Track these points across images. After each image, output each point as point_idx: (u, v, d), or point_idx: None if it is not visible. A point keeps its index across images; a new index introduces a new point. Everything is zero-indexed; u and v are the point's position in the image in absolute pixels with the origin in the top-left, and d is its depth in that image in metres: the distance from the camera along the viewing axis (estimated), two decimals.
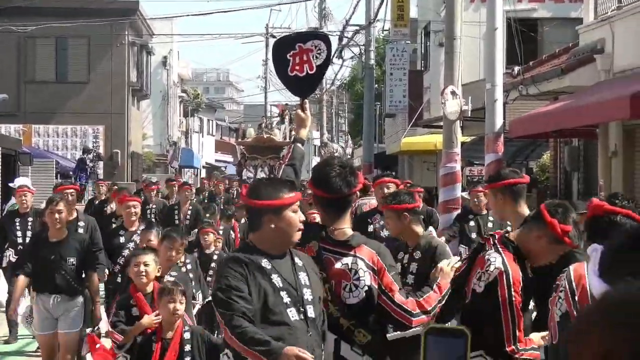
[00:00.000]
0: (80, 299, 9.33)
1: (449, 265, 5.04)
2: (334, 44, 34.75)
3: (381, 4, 29.08)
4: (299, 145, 5.36)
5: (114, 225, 11.79)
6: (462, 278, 4.99)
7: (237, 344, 4.23)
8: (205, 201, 20.85)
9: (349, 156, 45.27)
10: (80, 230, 10.54)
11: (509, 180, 6.23)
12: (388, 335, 4.89)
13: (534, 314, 5.78)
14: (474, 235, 11.64)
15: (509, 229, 6.13)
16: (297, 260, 4.56)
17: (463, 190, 14.87)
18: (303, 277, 4.50)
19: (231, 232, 13.69)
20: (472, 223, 12.09)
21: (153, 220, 14.59)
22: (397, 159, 33.58)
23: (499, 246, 4.83)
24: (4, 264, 12.21)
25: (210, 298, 7.23)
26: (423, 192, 13.93)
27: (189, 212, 15.62)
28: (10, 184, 14.11)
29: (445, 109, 14.51)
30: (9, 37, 34.91)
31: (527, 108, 19.03)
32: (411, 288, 5.72)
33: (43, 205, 10.78)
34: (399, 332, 4.92)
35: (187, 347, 6.45)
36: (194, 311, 8.29)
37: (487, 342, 4.65)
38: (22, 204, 12.33)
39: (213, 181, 31.48)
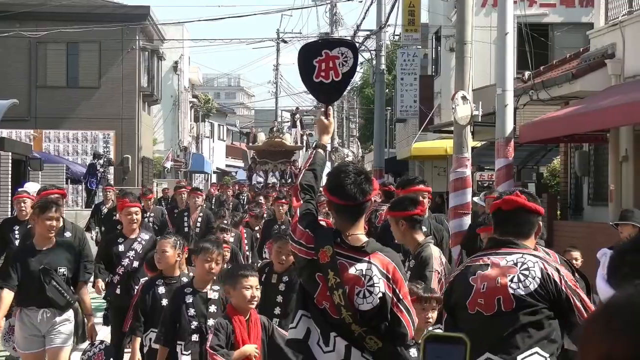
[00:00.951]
0: (71, 312, 8.48)
1: None
2: None
3: (392, 9, 29.14)
4: (321, 151, 5.30)
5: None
6: None
7: None
8: (212, 207, 20.71)
9: (358, 158, 45.23)
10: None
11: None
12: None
13: None
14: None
15: None
16: None
17: (474, 195, 14.84)
18: None
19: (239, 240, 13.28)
20: None
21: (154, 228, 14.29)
22: (407, 164, 33.55)
23: None
24: None
25: None
26: (430, 191, 13.77)
27: (199, 218, 15.34)
28: (20, 189, 13.45)
29: (456, 114, 14.48)
30: (20, 42, 35.00)
31: (538, 113, 18.98)
32: None
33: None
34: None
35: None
36: None
37: None
38: (21, 211, 11.56)
39: (216, 186, 31.36)
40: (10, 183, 19.87)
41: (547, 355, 4.50)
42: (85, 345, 8.76)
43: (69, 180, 29.17)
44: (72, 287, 8.43)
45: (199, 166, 54.97)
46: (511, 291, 4.52)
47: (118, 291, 9.68)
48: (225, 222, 13.41)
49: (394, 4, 28.74)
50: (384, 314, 4.73)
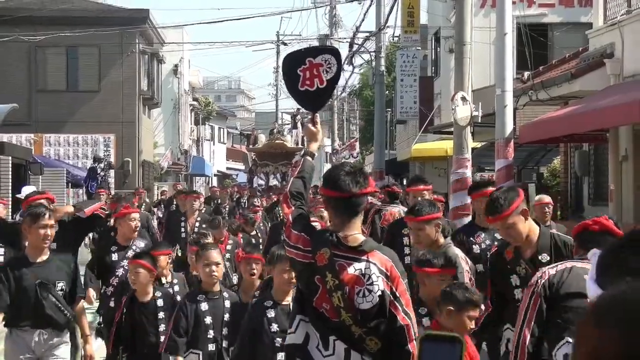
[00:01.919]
0: (67, 332, 7.69)
1: None
2: (344, 51, 34.84)
3: (391, 10, 29.09)
4: (309, 158, 5.30)
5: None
6: None
7: None
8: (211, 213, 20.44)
9: (355, 158, 45.19)
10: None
11: None
12: None
13: None
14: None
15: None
16: None
17: None
18: None
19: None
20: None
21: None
22: (408, 166, 33.56)
23: None
24: None
25: None
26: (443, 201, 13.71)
27: (197, 223, 14.67)
28: (18, 195, 12.88)
29: (456, 115, 14.49)
30: (20, 47, 35.02)
31: (537, 113, 18.99)
32: None
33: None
34: None
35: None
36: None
37: None
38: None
39: (209, 187, 30.99)
40: (10, 187, 19.90)
41: None
42: None
43: (70, 184, 29.20)
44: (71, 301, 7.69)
45: (199, 169, 54.95)
46: None
47: (112, 304, 8.83)
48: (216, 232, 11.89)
49: (393, 5, 28.72)
50: (384, 312, 4.74)
